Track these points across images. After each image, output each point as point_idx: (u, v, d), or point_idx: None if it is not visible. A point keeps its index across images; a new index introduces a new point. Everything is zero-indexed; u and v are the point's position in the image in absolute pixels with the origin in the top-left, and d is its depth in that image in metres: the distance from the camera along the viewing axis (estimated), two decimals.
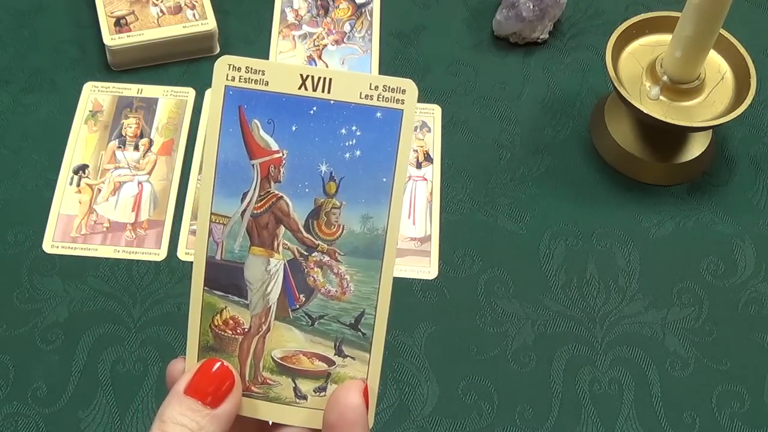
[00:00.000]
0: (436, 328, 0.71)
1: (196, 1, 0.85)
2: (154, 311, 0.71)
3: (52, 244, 0.74)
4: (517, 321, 0.72)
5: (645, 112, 0.73)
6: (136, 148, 0.80)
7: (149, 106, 0.82)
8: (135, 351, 0.70)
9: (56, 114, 0.82)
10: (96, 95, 0.83)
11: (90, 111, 0.82)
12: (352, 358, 0.44)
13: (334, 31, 0.88)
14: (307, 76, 0.41)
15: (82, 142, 0.80)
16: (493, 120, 0.83)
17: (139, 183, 0.78)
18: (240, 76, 0.42)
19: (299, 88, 0.42)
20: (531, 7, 0.84)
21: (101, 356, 0.69)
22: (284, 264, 0.43)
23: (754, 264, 0.75)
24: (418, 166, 0.79)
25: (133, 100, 0.82)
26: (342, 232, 0.42)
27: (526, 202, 0.78)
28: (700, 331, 0.72)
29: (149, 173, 0.78)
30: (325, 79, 0.41)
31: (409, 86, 0.41)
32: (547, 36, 0.87)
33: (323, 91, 0.41)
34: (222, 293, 0.44)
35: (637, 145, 0.79)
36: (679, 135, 0.80)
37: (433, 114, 0.83)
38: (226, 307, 0.44)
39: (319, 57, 0.86)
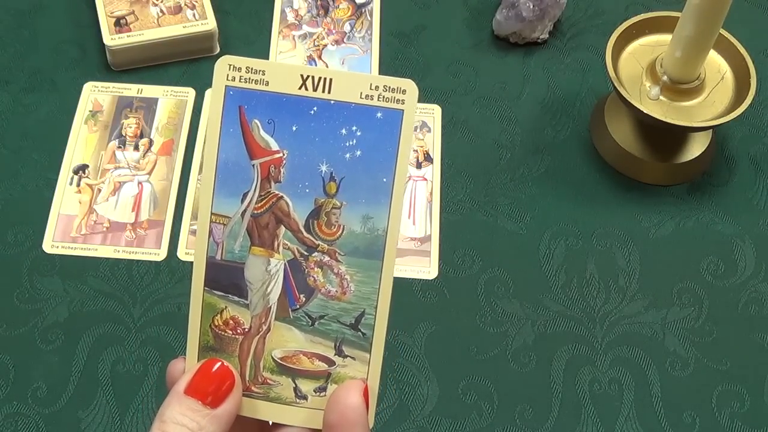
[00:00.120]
0: (436, 328, 0.71)
1: (196, 1, 0.85)
2: (154, 311, 0.71)
3: (52, 244, 0.74)
4: (517, 321, 0.72)
5: (645, 112, 0.73)
6: (136, 148, 0.80)
7: (149, 106, 0.82)
8: (135, 351, 0.70)
9: (56, 114, 0.82)
10: (96, 95, 0.83)
11: (90, 111, 0.82)
12: (353, 358, 0.44)
13: (334, 31, 0.88)
14: (308, 76, 0.41)
15: (82, 142, 0.80)
16: (493, 120, 0.83)
17: (139, 183, 0.78)
18: (240, 76, 0.42)
19: (299, 88, 0.42)
20: (531, 7, 0.84)
21: (101, 356, 0.69)
22: (284, 264, 0.43)
23: (754, 264, 0.75)
24: (418, 166, 0.79)
25: (133, 100, 0.82)
26: (342, 232, 0.42)
27: (526, 202, 0.78)
28: (700, 331, 0.72)
29: (149, 173, 0.78)
30: (325, 79, 0.41)
31: (410, 86, 0.41)
32: (547, 36, 0.87)
33: (323, 91, 0.41)
34: (222, 293, 0.44)
35: (637, 145, 0.79)
36: (679, 135, 0.80)
37: (433, 114, 0.83)
38: (226, 307, 0.44)
39: (319, 57, 0.86)
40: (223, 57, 0.42)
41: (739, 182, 0.80)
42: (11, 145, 0.80)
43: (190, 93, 0.83)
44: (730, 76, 0.77)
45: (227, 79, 0.42)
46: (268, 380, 0.44)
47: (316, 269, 0.43)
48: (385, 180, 0.42)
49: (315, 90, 0.41)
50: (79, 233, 0.75)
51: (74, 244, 0.74)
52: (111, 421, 0.67)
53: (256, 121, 0.42)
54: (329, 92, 0.41)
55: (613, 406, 0.69)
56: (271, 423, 0.45)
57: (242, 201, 0.43)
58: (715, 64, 0.78)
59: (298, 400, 0.44)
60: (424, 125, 0.82)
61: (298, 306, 0.44)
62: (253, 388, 0.44)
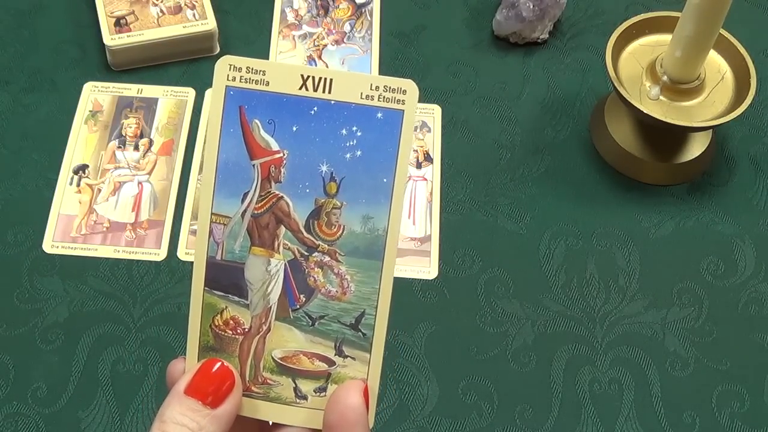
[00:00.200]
0: (436, 328, 0.71)
1: (196, 1, 0.85)
2: (154, 311, 0.71)
3: (52, 244, 0.74)
4: (517, 321, 0.72)
5: (645, 112, 0.73)
6: (136, 148, 0.80)
7: (149, 106, 0.82)
8: (135, 351, 0.70)
9: (56, 114, 0.82)
10: (96, 95, 0.83)
11: (90, 111, 0.82)
12: (353, 358, 0.44)
13: (334, 31, 0.88)
14: (308, 76, 0.41)
15: (82, 142, 0.80)
16: (493, 120, 0.83)
17: (139, 183, 0.78)
18: (241, 77, 0.42)
19: (300, 88, 0.42)
20: (531, 7, 0.84)
21: (101, 356, 0.69)
22: (285, 264, 0.43)
23: (754, 264, 0.75)
24: (418, 166, 0.79)
25: (133, 100, 0.82)
26: (342, 232, 0.42)
27: (526, 202, 0.78)
28: (700, 331, 0.72)
29: (149, 173, 0.78)
30: (325, 79, 0.41)
31: (410, 87, 0.41)
32: (547, 36, 0.87)
33: (324, 91, 0.41)
34: (222, 293, 0.44)
35: (637, 145, 0.79)
36: (679, 135, 0.80)
37: (433, 114, 0.83)
38: (226, 307, 0.44)
39: (319, 57, 0.86)
40: (223, 57, 0.42)
41: (739, 182, 0.80)
42: (11, 145, 0.80)
43: (190, 93, 0.83)
44: (730, 76, 0.77)
45: (227, 79, 0.42)
46: (268, 380, 0.44)
47: (316, 269, 0.43)
48: (385, 180, 0.42)
49: (315, 90, 0.41)
50: (79, 233, 0.75)
51: (74, 244, 0.74)
52: (111, 421, 0.67)
53: (257, 121, 0.42)
54: (329, 92, 0.41)
55: (613, 406, 0.69)
56: (271, 423, 0.45)
57: (242, 201, 0.43)
58: (715, 64, 0.78)
59: (298, 400, 0.44)
60: (424, 125, 0.82)
61: (298, 306, 0.44)
62: (253, 388, 0.44)
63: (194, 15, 0.85)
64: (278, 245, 0.43)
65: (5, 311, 0.71)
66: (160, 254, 0.74)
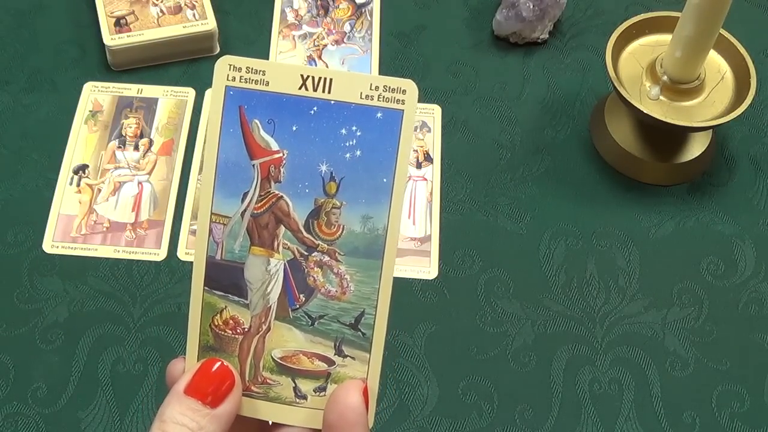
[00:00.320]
0: (436, 328, 0.71)
1: (196, 1, 0.85)
2: (154, 311, 0.71)
3: (52, 244, 0.74)
4: (517, 321, 0.72)
5: (645, 112, 0.73)
6: (136, 148, 0.80)
7: (149, 106, 0.82)
8: (135, 351, 0.70)
9: (56, 114, 0.82)
10: (96, 95, 0.83)
11: (90, 111, 0.82)
12: (352, 358, 0.44)
13: (334, 31, 0.88)
14: (308, 76, 0.41)
15: (82, 142, 0.80)
16: (493, 120, 0.83)
17: (139, 183, 0.78)
18: (240, 76, 0.42)
19: (300, 88, 0.42)
20: (531, 7, 0.84)
21: (101, 356, 0.69)
22: (284, 264, 0.43)
23: (754, 264, 0.75)
24: (418, 166, 0.79)
25: (133, 100, 0.82)
26: (342, 232, 0.42)
27: (526, 202, 0.78)
28: (700, 331, 0.72)
29: (149, 173, 0.78)
30: (325, 79, 0.41)
31: (410, 86, 0.41)
32: (547, 36, 0.87)
33: (324, 91, 0.41)
34: (222, 293, 0.44)
35: (637, 145, 0.79)
36: (679, 135, 0.80)
37: (433, 114, 0.83)
38: (226, 306, 0.44)
39: (319, 57, 0.86)
40: (223, 57, 0.42)
41: (739, 182, 0.80)
42: (11, 145, 0.80)
43: (190, 93, 0.83)
44: (730, 76, 0.77)
45: (227, 79, 0.42)
46: (267, 380, 0.44)
47: (315, 269, 0.43)
48: (385, 180, 0.42)
49: (315, 90, 0.41)
50: (79, 233, 0.75)
51: (74, 244, 0.74)
52: (111, 421, 0.67)
53: (256, 121, 0.42)
54: (329, 92, 0.41)
55: (613, 406, 0.69)
56: (270, 423, 0.45)
57: (242, 201, 0.43)
58: (715, 64, 0.78)
59: (297, 400, 0.44)
60: (424, 125, 0.82)
61: (297, 306, 0.44)
62: (252, 387, 0.44)
63: (194, 15, 0.85)
64: (278, 245, 0.43)
65: (5, 311, 0.71)
66: (160, 254, 0.74)
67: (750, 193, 0.79)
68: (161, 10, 0.85)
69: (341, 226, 0.42)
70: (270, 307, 0.44)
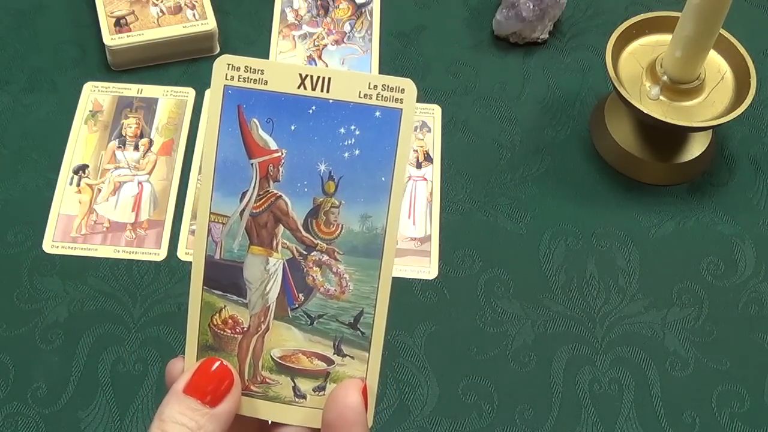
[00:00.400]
0: (436, 328, 0.71)
1: (196, 1, 0.85)
2: (154, 311, 0.71)
3: (52, 244, 0.74)
4: (517, 321, 0.72)
5: (645, 112, 0.73)
6: (136, 148, 0.80)
7: (149, 106, 0.82)
8: (135, 351, 0.70)
9: (56, 114, 0.82)
10: (96, 95, 0.83)
11: (90, 111, 0.82)
12: (351, 357, 0.43)
13: (334, 31, 0.88)
14: (306, 75, 0.41)
15: (82, 142, 0.80)
16: (493, 120, 0.83)
17: (139, 183, 0.78)
18: (239, 76, 0.42)
19: (298, 87, 0.42)
20: (531, 7, 0.84)
21: (101, 356, 0.69)
22: (283, 263, 0.43)
23: (754, 264, 0.75)
24: (418, 166, 0.79)
25: (133, 100, 0.82)
26: (341, 231, 0.42)
27: (526, 202, 0.78)
28: (700, 331, 0.72)
29: (149, 173, 0.78)
30: (324, 78, 0.41)
31: (408, 85, 0.41)
32: (547, 36, 0.87)
33: (322, 90, 0.41)
34: (221, 292, 0.44)
35: (637, 145, 0.79)
36: (679, 135, 0.80)
37: (433, 114, 0.83)
38: (225, 306, 0.44)
39: (319, 57, 0.86)
40: (221, 56, 0.42)
41: (739, 182, 0.80)
42: (11, 145, 0.80)
43: (190, 93, 0.83)
44: (730, 76, 0.77)
45: (226, 79, 0.42)
46: (267, 379, 0.44)
47: (314, 268, 0.43)
48: (383, 179, 0.42)
49: (314, 89, 0.41)
50: (79, 233, 0.75)
51: (74, 244, 0.74)
52: (111, 421, 0.67)
53: (255, 120, 0.42)
54: (328, 91, 0.41)
55: (613, 406, 0.68)
56: (270, 422, 0.45)
57: (241, 200, 0.43)
58: (715, 64, 0.78)
59: (297, 400, 0.44)
60: (424, 125, 0.82)
61: (296, 305, 0.44)
62: (252, 387, 0.44)
63: (194, 15, 0.85)
64: (277, 244, 0.43)
65: (5, 311, 0.71)
66: (160, 254, 0.74)
67: (750, 193, 0.79)
68: (161, 10, 0.85)
69: (340, 225, 0.42)
70: (269, 306, 0.44)
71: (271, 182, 0.42)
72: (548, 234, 0.76)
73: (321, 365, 0.44)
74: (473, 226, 0.77)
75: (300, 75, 0.41)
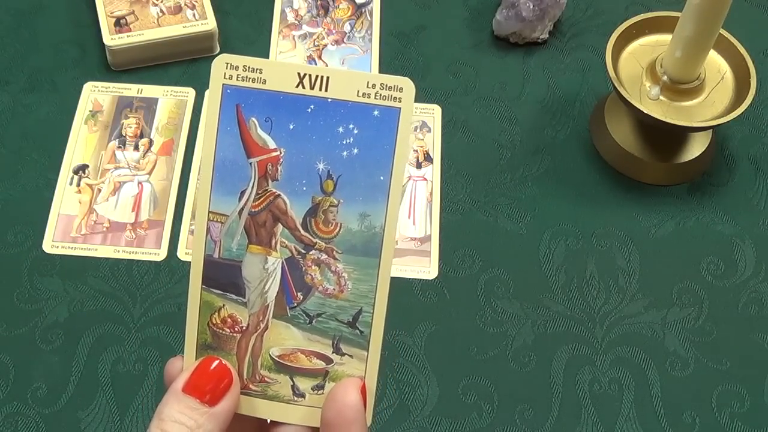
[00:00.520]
0: (436, 328, 0.71)
1: (196, 1, 0.86)
2: (154, 311, 0.71)
3: (52, 244, 0.74)
4: (517, 321, 0.72)
5: (645, 112, 0.73)
6: (136, 148, 0.80)
7: (149, 106, 0.82)
8: (135, 351, 0.70)
9: (56, 114, 0.82)
10: (96, 95, 0.83)
11: (90, 111, 0.82)
12: (350, 356, 0.44)
13: (334, 31, 0.88)
14: (305, 74, 0.42)
15: (82, 142, 0.80)
16: (493, 120, 0.83)
17: (139, 183, 0.78)
18: (237, 75, 0.42)
19: (297, 86, 0.42)
20: (531, 7, 0.84)
21: (101, 356, 0.69)
22: (282, 262, 0.43)
23: (754, 264, 0.75)
24: (418, 166, 0.79)
25: (133, 100, 0.82)
26: (339, 230, 0.42)
27: (526, 202, 0.78)
28: (700, 331, 0.72)
29: (149, 173, 0.78)
30: (322, 77, 0.41)
31: (407, 84, 0.41)
32: (547, 36, 0.87)
33: (320, 89, 0.41)
34: (220, 291, 0.44)
35: (637, 145, 0.79)
36: (679, 135, 0.79)
37: (433, 114, 0.83)
38: (224, 305, 0.44)
39: (319, 57, 0.86)
40: (220, 56, 0.42)
41: (739, 182, 0.80)
42: (11, 145, 0.80)
43: (190, 93, 0.83)
44: (730, 76, 0.77)
45: (224, 78, 0.42)
46: (266, 378, 0.44)
47: (313, 267, 0.43)
48: (382, 178, 0.42)
49: (312, 88, 0.41)
50: (79, 233, 0.75)
51: (74, 244, 0.74)
52: (111, 421, 0.67)
53: (254, 119, 0.42)
54: (326, 90, 0.41)
55: (613, 406, 0.68)
56: (269, 421, 0.45)
57: (239, 199, 0.43)
58: (715, 64, 0.78)
59: (296, 398, 0.44)
60: (424, 125, 0.82)
61: (295, 304, 0.44)
62: (251, 386, 0.44)
63: (194, 15, 0.85)
64: (275, 243, 0.43)
65: (5, 311, 0.71)
66: (160, 254, 0.74)
67: (750, 193, 0.79)
68: (161, 10, 0.85)
69: (339, 224, 0.42)
70: (268, 305, 0.44)
71: (270, 181, 0.42)
72: (548, 234, 0.76)
73: (320, 364, 0.44)
74: (473, 226, 0.77)
75: (298, 74, 0.42)
